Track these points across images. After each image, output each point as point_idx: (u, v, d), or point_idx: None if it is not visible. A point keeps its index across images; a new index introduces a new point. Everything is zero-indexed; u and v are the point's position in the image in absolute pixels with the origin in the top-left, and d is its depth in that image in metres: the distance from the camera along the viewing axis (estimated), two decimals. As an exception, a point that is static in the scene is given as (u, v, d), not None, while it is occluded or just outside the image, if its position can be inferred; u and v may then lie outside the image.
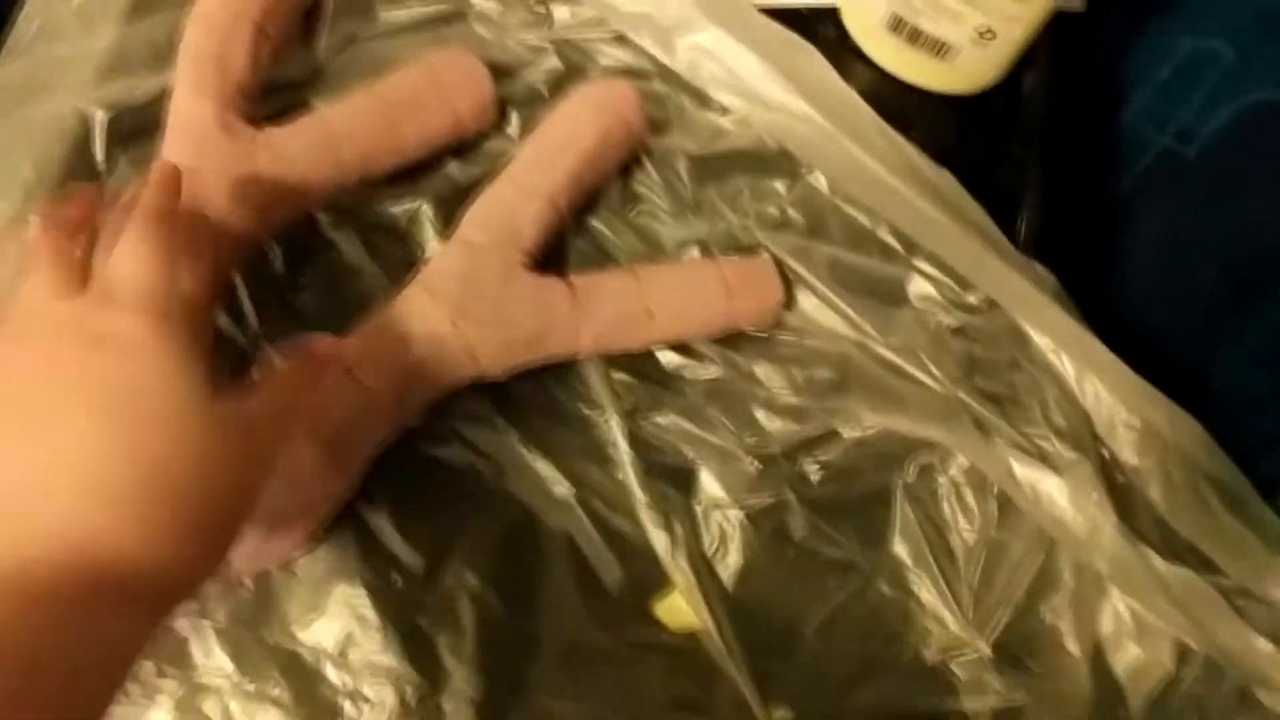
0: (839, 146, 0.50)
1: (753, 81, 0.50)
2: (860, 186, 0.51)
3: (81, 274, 0.35)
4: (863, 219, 0.52)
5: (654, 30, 0.52)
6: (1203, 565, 0.46)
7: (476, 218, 0.47)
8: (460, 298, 0.45)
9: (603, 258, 0.51)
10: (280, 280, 0.48)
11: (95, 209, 0.37)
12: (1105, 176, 0.64)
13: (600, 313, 0.47)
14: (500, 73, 0.52)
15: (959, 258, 0.50)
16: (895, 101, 0.53)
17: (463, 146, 0.51)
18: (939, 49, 0.51)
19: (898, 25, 0.52)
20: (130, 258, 0.34)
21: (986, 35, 0.50)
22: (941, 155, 0.51)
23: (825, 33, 0.54)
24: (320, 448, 0.43)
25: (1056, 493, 0.47)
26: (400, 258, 0.49)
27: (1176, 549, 0.47)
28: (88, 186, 0.46)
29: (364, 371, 0.44)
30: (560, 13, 0.54)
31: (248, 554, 0.43)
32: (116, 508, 0.30)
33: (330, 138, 0.47)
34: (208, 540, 0.33)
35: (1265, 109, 0.54)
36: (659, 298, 0.48)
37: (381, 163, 0.49)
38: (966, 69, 0.52)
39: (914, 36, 0.51)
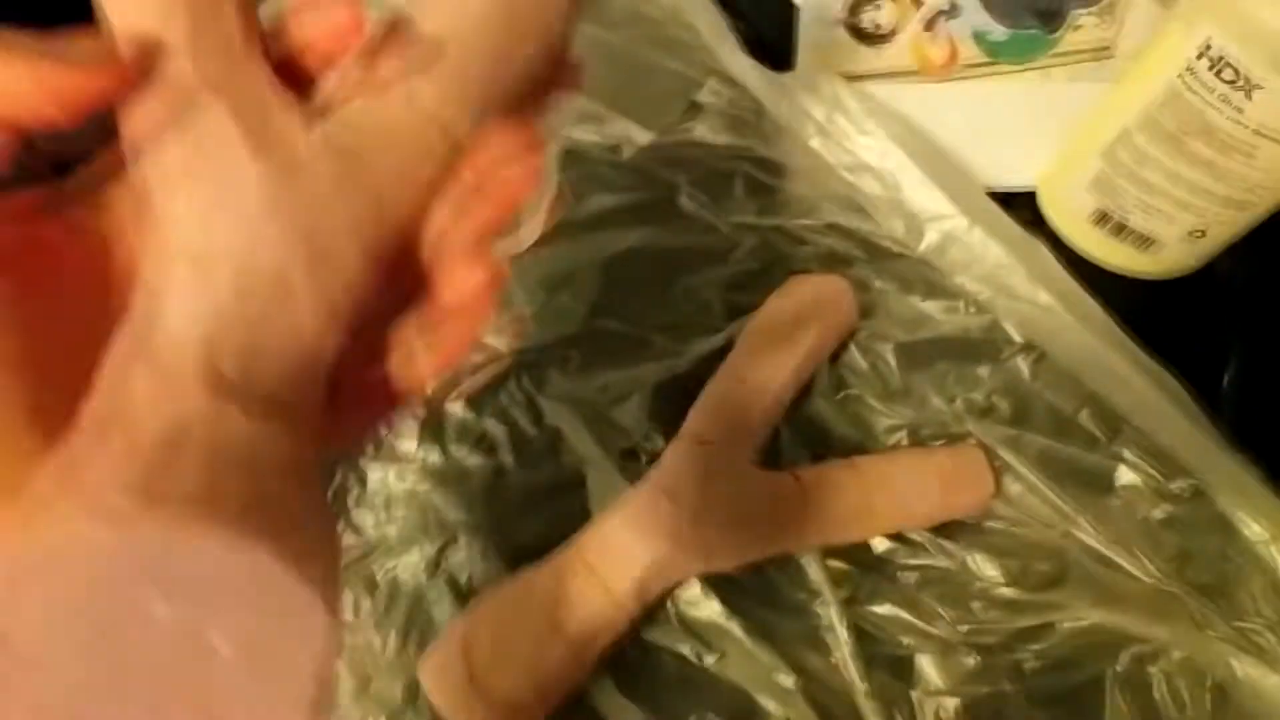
0: (1060, 322, 0.51)
1: (997, 269, 0.52)
2: (1076, 362, 0.52)
3: None
4: (1064, 405, 0.53)
5: (903, 214, 0.54)
6: None
7: (707, 415, 0.49)
8: (697, 500, 0.47)
9: (816, 444, 0.52)
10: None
11: None
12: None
13: (828, 509, 0.48)
14: (708, 257, 0.53)
15: (1172, 439, 0.51)
16: (1089, 278, 0.54)
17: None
18: (1144, 243, 0.53)
19: (1103, 219, 0.53)
20: None
21: (1196, 234, 0.51)
22: (1137, 336, 0.52)
23: (1019, 215, 0.56)
24: (565, 646, 0.44)
25: (1277, 692, 0.48)
26: (615, 440, 0.51)
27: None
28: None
29: (607, 571, 0.45)
30: (769, 199, 0.56)
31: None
32: None
33: None
34: None
35: None
36: (880, 492, 0.49)
37: None
38: (1169, 260, 0.54)
39: (1119, 231, 0.53)
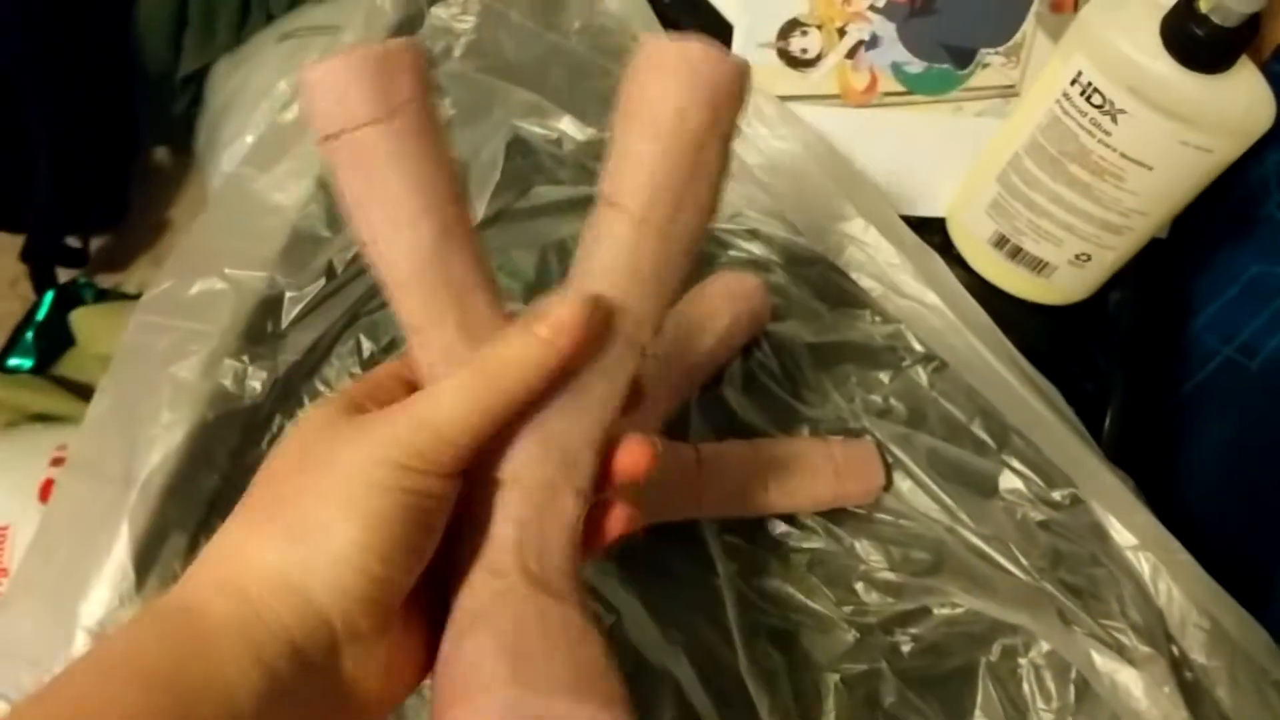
0: (960, 337, 0.55)
1: (890, 270, 0.56)
2: (974, 375, 0.56)
3: None
4: (958, 413, 0.57)
5: (805, 212, 0.58)
6: (1270, 770, 0.49)
7: (618, 387, 0.52)
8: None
9: (723, 427, 0.56)
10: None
11: None
12: (1175, 382, 0.69)
13: (721, 482, 0.52)
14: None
15: (1056, 452, 0.55)
16: (990, 305, 0.58)
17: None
18: (1038, 266, 0.57)
19: (1001, 242, 0.57)
20: None
21: (1083, 258, 0.55)
22: (1032, 359, 0.56)
23: (931, 240, 0.60)
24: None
25: (1132, 685, 0.50)
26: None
27: (1243, 750, 0.50)
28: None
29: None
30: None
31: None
32: None
33: None
34: None
35: (1322, 332, 0.59)
36: (775, 473, 0.52)
37: None
38: (1062, 285, 0.58)
39: (1015, 253, 0.57)
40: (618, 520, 0.36)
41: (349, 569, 0.29)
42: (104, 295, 1.03)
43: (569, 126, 0.59)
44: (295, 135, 0.57)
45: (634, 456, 0.35)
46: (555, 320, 0.31)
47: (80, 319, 0.95)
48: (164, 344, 0.52)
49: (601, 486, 0.35)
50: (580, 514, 0.33)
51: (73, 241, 1.08)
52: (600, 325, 0.33)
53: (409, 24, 0.60)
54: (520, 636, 0.30)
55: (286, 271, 0.54)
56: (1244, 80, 0.46)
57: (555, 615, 0.31)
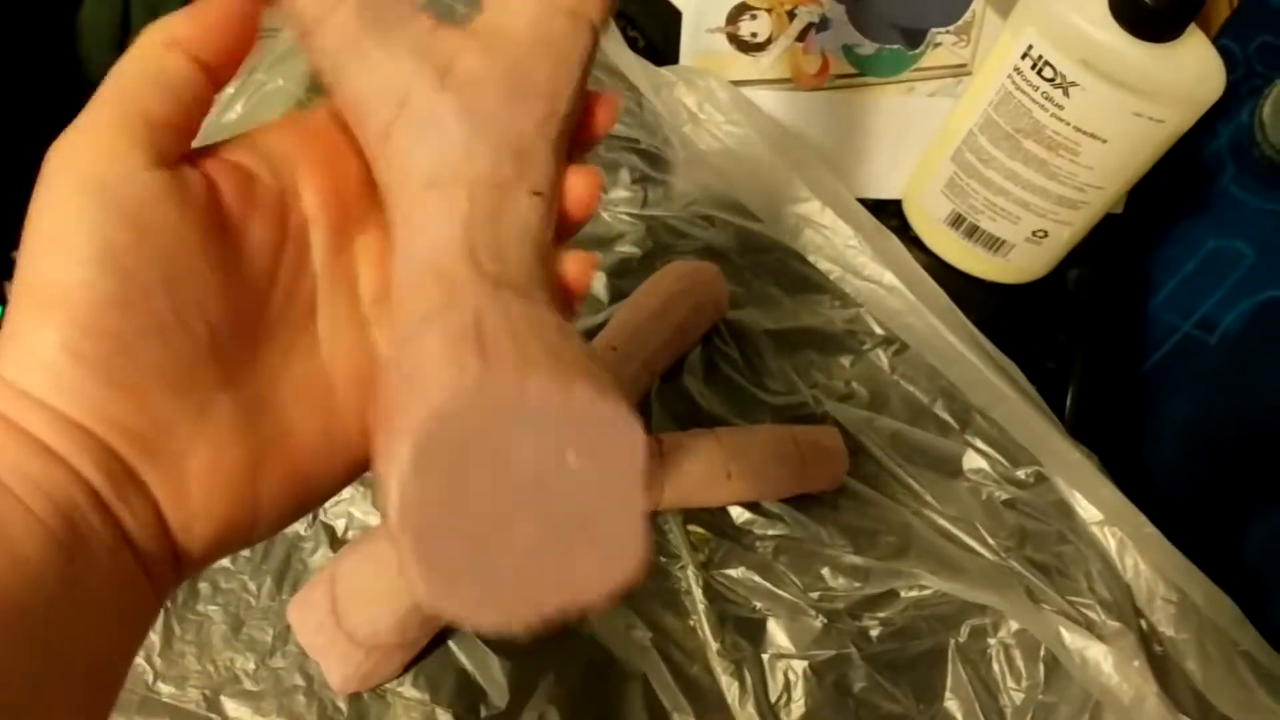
0: (920, 318, 0.55)
1: (848, 252, 0.56)
2: (935, 356, 0.56)
3: None
4: (920, 395, 0.57)
5: (760, 198, 0.58)
6: (1240, 739, 0.49)
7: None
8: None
9: (685, 417, 0.55)
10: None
11: None
12: (1135, 358, 0.69)
13: (684, 471, 0.51)
14: (595, 243, 0.57)
15: (1019, 430, 0.55)
16: (950, 286, 0.58)
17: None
18: (995, 245, 0.57)
19: (957, 221, 0.57)
20: None
21: (1039, 235, 0.55)
22: (992, 338, 0.56)
23: (887, 221, 0.60)
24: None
25: (1102, 660, 0.50)
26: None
27: (1213, 720, 0.50)
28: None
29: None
30: (654, 192, 0.60)
31: (345, 675, 0.47)
32: None
33: None
34: None
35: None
36: (737, 461, 0.52)
37: None
38: (1019, 263, 0.58)
39: (971, 232, 0.57)
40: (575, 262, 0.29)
41: (50, 349, 0.22)
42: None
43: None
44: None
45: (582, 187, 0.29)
46: None
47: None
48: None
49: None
50: (543, 219, 0.28)
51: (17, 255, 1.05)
52: None
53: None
54: (481, 328, 0.24)
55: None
56: (1194, 49, 0.46)
57: (521, 310, 0.25)
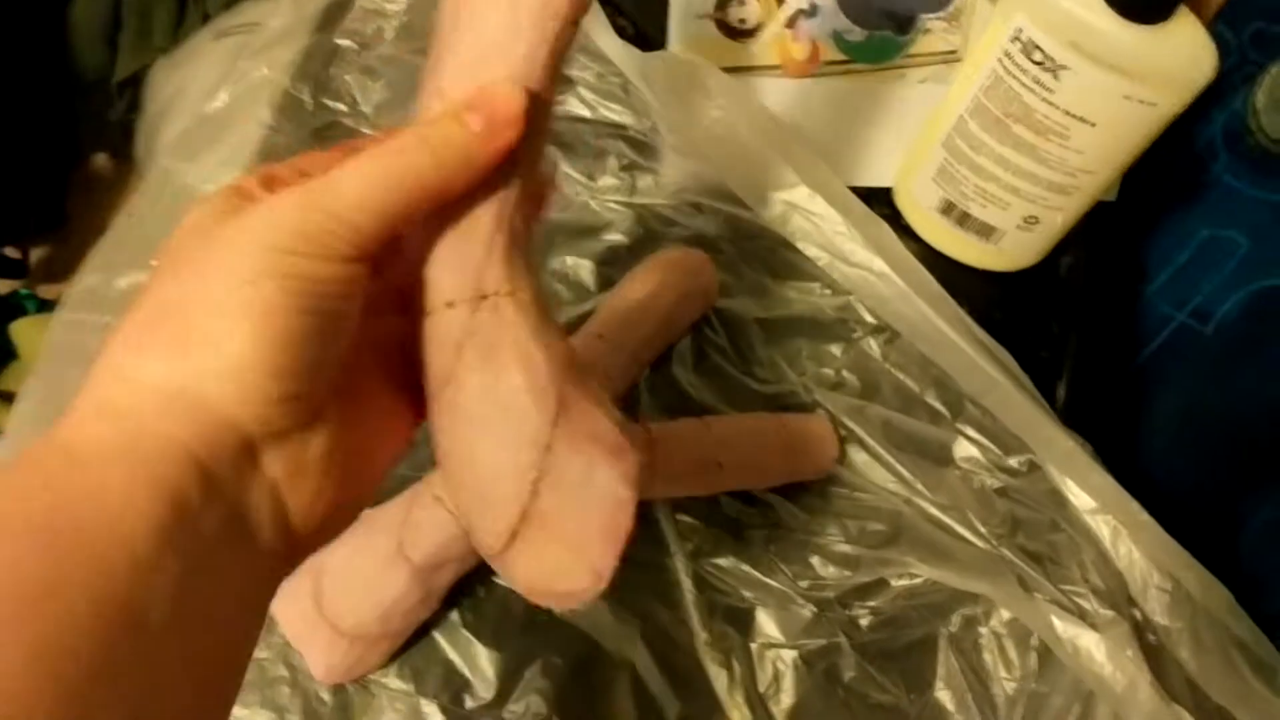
0: (911, 305, 0.54)
1: (837, 238, 0.55)
2: (926, 343, 0.55)
3: None
4: (911, 384, 0.56)
5: (749, 185, 0.57)
6: (1234, 728, 0.49)
7: (564, 367, 0.51)
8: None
9: (675, 407, 0.55)
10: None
11: None
12: (1130, 349, 0.69)
13: (673, 460, 0.50)
14: (585, 231, 0.56)
15: (1011, 418, 0.54)
16: (942, 274, 0.58)
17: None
18: (986, 232, 0.56)
19: (948, 209, 0.57)
20: None
21: (1030, 221, 0.55)
22: (985, 327, 0.56)
23: (879, 210, 0.60)
24: (410, 574, 0.46)
25: (1095, 649, 0.50)
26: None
27: (1208, 711, 0.49)
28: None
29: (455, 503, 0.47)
30: (643, 180, 0.59)
31: (329, 665, 0.46)
32: None
33: None
34: None
35: (1276, 294, 0.59)
36: (727, 449, 0.51)
37: None
38: (1011, 251, 0.57)
39: (962, 220, 0.57)
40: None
41: (246, 370, 0.25)
42: (46, 306, 1.01)
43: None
44: (223, 124, 0.56)
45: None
46: (491, 109, 0.27)
47: (21, 331, 0.93)
48: (92, 343, 0.50)
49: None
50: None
51: (11, 252, 1.05)
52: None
53: (337, 7, 0.59)
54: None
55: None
56: (1184, 31, 0.46)
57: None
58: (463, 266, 0.29)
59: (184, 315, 0.25)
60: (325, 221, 0.26)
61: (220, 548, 0.24)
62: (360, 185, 0.26)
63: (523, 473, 0.29)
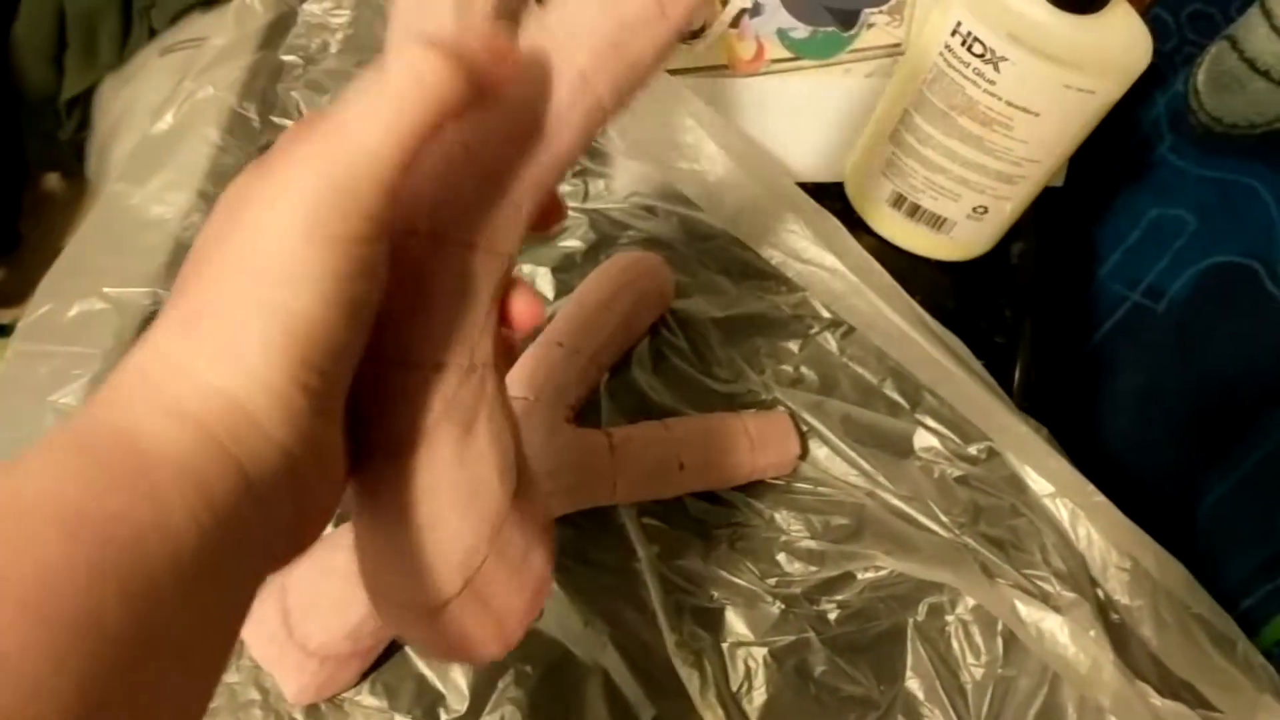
0: (864, 299, 0.55)
1: (789, 236, 0.56)
2: (881, 337, 0.56)
3: None
4: (869, 376, 0.57)
5: (701, 186, 0.57)
6: (1197, 702, 0.50)
7: (524, 376, 0.51)
8: (510, 452, 0.49)
9: (634, 409, 0.55)
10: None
11: None
12: (1085, 330, 0.69)
13: (636, 465, 0.51)
14: (539, 239, 0.57)
15: (968, 406, 0.55)
16: (895, 266, 0.58)
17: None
18: (937, 223, 0.57)
19: (899, 201, 0.57)
20: None
21: (980, 211, 0.55)
22: (939, 316, 0.56)
23: (831, 205, 0.60)
24: (378, 592, 0.46)
25: (1058, 631, 0.50)
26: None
27: (1171, 685, 0.50)
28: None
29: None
30: (595, 185, 0.59)
31: (300, 686, 0.46)
32: None
33: None
34: None
35: (1225, 269, 0.60)
36: (689, 451, 0.52)
37: None
38: (962, 240, 0.58)
39: (914, 211, 0.57)
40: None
41: (285, 379, 0.24)
42: (3, 331, 1.00)
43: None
44: (170, 147, 0.55)
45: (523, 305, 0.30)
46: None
47: (-24, 356, 0.92)
48: (44, 372, 0.50)
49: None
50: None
51: (-37, 277, 1.04)
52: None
53: (281, 22, 0.58)
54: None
55: (171, 286, 0.52)
56: (1119, 19, 0.47)
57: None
58: (462, 333, 0.29)
59: (225, 301, 0.25)
60: (358, 193, 0.24)
61: (251, 571, 0.24)
62: (380, 141, 0.24)
63: (479, 546, 0.29)
